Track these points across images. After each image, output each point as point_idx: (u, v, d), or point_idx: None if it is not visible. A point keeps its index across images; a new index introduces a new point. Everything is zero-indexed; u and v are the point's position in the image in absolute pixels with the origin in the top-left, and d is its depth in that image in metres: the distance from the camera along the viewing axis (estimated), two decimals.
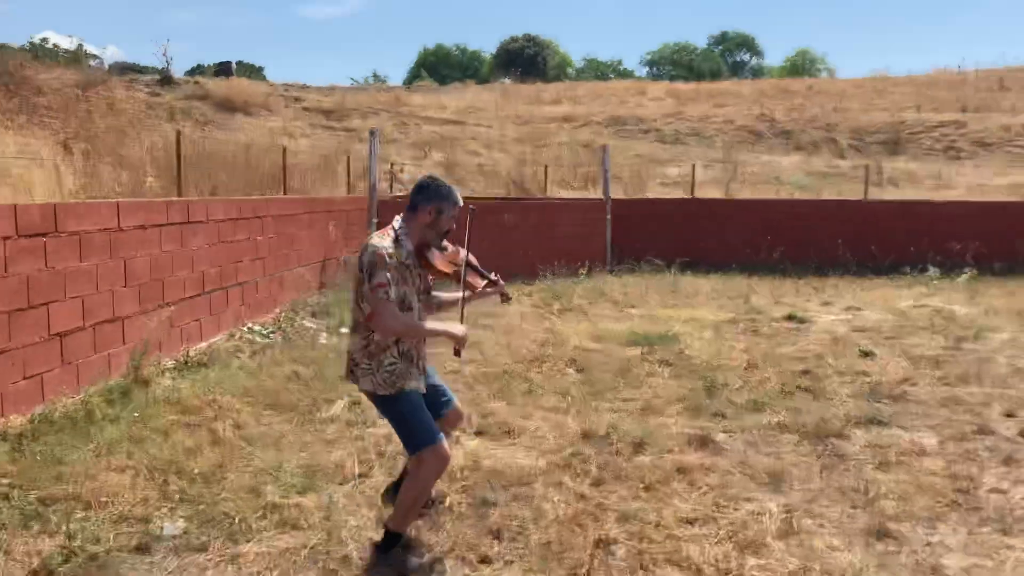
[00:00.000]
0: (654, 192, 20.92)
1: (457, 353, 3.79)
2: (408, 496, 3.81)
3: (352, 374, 3.80)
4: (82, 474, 4.50)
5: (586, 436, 5.56)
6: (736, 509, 4.44)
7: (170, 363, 7.02)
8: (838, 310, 11.42)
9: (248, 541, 3.94)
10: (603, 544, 3.96)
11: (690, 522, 4.25)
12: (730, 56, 71.35)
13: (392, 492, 4.15)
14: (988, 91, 34.60)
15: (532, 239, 14.11)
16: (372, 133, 14.03)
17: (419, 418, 3.73)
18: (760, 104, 36.35)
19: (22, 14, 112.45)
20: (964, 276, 13.93)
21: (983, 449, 5.52)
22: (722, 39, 71.94)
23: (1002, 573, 3.83)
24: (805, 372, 7.59)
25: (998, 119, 30.18)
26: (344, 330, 9.27)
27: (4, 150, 7.68)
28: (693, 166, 19.57)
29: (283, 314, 9.66)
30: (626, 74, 65.59)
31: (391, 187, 19.03)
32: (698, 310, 11.20)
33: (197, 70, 41.05)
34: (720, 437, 5.65)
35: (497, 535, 4.06)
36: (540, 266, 13.46)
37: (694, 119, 34.46)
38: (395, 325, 3.62)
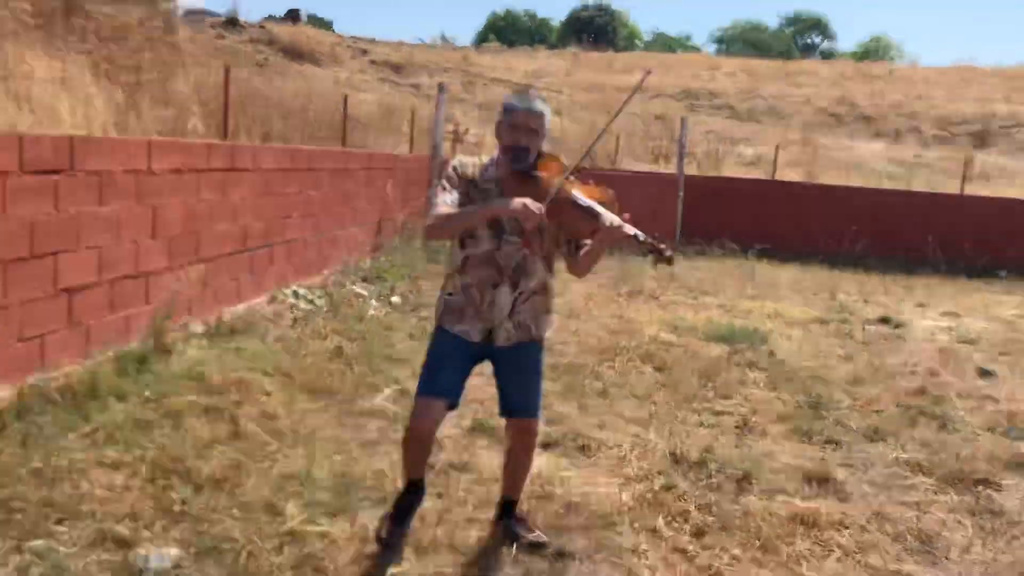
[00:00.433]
0: (729, 172, 19.66)
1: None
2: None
3: None
4: (65, 469, 3.63)
5: (677, 460, 4.57)
6: None
7: (199, 328, 6.19)
8: (935, 315, 10.30)
9: None
10: None
11: None
12: (800, 38, 68.79)
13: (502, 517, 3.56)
14: None
15: None
16: (440, 88, 13.07)
17: (432, 364, 3.25)
18: (840, 86, 34.58)
19: None
20: None
21: None
22: (795, 20, 69.40)
23: None
24: (920, 391, 6.53)
25: None
26: (395, 299, 8.41)
27: (36, 74, 6.86)
28: (776, 147, 18.24)
29: (332, 277, 8.80)
30: (695, 50, 63.42)
31: (454, 149, 18.13)
32: (780, 303, 10.22)
33: (268, 19, 40.47)
34: (840, 475, 4.62)
35: None
36: None
37: (770, 97, 32.89)
38: (427, 221, 3.24)
